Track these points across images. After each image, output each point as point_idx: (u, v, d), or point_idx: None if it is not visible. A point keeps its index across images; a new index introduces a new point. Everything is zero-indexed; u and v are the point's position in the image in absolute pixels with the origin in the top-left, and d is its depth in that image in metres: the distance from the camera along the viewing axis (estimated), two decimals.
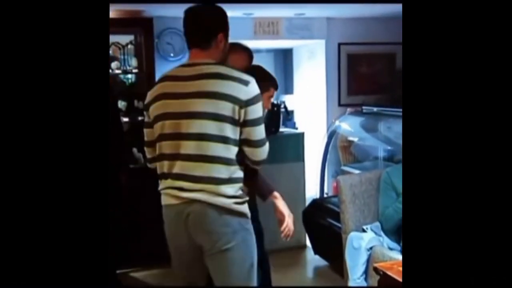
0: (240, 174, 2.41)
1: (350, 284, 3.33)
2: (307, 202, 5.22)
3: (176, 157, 2.40)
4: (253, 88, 2.36)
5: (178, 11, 5.01)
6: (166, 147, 2.43)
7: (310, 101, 6.37)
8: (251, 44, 6.28)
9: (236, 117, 2.32)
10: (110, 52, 5.45)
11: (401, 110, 4.93)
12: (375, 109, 5.41)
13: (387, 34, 5.98)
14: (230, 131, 2.33)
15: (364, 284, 3.28)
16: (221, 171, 2.35)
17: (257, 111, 2.36)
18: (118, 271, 4.74)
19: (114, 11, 5.02)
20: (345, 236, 3.47)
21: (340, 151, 5.80)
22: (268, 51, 7.03)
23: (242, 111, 2.32)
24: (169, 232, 2.51)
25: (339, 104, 6.09)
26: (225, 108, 2.31)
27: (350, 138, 5.63)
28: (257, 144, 2.39)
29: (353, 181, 3.54)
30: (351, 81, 6.13)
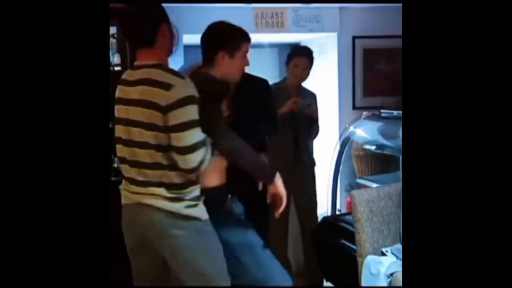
0: (187, 178, 2.65)
1: None
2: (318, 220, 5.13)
3: (127, 161, 2.72)
4: (176, 92, 2.52)
5: (176, 4, 5.03)
6: (120, 150, 2.76)
7: (321, 104, 6.19)
8: (252, 38, 6.28)
9: (161, 123, 2.56)
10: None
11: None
12: (395, 112, 5.30)
13: None
14: (162, 138, 2.58)
15: None
16: (167, 177, 2.64)
17: (181, 116, 2.53)
18: None
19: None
20: (361, 260, 3.39)
21: (355, 161, 5.70)
22: (272, 46, 6.93)
23: (165, 117, 2.54)
24: (124, 231, 2.83)
25: (354, 107, 6.00)
26: (152, 117, 2.56)
27: (367, 147, 5.53)
28: (184, 151, 2.55)
29: (370, 196, 3.46)
30: (367, 81, 6.02)
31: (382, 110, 5.43)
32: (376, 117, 5.47)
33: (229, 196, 2.97)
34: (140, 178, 2.69)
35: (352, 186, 5.57)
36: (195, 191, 2.72)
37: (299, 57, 4.76)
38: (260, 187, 3.01)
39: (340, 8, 5.80)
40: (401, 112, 5.18)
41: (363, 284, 3.31)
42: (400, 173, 5.15)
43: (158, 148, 2.60)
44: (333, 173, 5.41)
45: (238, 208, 3.04)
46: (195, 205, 2.70)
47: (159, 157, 2.62)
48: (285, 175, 4.36)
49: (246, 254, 2.86)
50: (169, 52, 2.77)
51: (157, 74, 2.59)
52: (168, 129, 2.55)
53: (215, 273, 2.79)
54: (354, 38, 5.95)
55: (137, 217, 2.73)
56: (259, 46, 6.75)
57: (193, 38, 5.58)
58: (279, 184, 2.74)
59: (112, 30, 5.29)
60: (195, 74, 2.87)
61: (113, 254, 2.84)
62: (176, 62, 3.94)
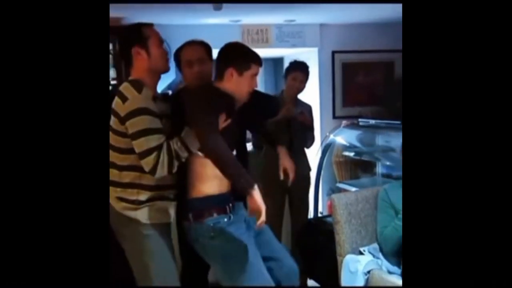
0: (137, 180, 2.79)
1: None
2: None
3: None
4: (132, 104, 2.68)
5: (159, 18, 5.04)
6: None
7: None
8: None
9: (120, 129, 2.73)
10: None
11: (400, 122, 4.91)
12: (372, 121, 5.33)
13: (385, 41, 5.95)
14: (121, 142, 2.75)
15: None
16: (115, 177, 2.80)
17: (135, 125, 2.66)
18: None
19: (115, 21, 4.99)
20: (340, 259, 3.41)
21: (335, 167, 5.70)
22: None
23: (124, 126, 2.70)
24: None
25: (334, 117, 6.03)
26: (114, 123, 2.74)
27: (346, 153, 5.56)
28: (139, 156, 2.69)
29: (348, 199, 3.49)
30: (346, 92, 6.07)
31: (360, 119, 5.46)
32: (355, 126, 5.50)
33: (230, 204, 2.94)
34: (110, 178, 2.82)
35: (333, 190, 5.55)
36: (142, 195, 2.81)
37: (296, 71, 4.77)
38: None
39: (321, 25, 5.83)
40: (378, 121, 5.21)
41: (342, 281, 3.33)
42: (377, 177, 5.19)
43: (117, 150, 2.78)
44: (315, 179, 5.42)
45: (240, 214, 3.01)
46: (135, 209, 2.80)
47: (117, 158, 2.79)
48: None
49: (239, 265, 2.79)
50: (154, 68, 2.86)
51: (125, 88, 2.76)
52: (129, 136, 2.70)
53: (151, 275, 2.86)
54: (333, 52, 6.00)
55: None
56: None
57: None
58: (257, 197, 2.67)
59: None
60: (205, 86, 2.95)
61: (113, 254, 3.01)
62: (168, 76, 3.98)
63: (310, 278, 5.00)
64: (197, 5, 4.45)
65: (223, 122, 2.81)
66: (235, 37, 5.60)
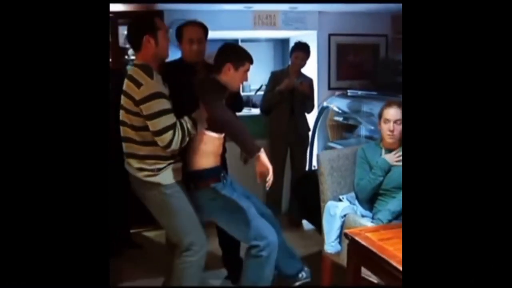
0: (153, 152, 2.69)
1: (326, 247, 3.21)
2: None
3: (121, 137, 2.77)
4: (146, 89, 2.55)
5: (184, 5, 4.94)
6: (121, 130, 2.78)
7: None
8: (251, 34, 6.19)
9: (134, 110, 2.60)
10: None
11: (381, 94, 4.81)
12: (359, 92, 5.27)
13: (372, 27, 5.88)
14: (135, 120, 2.63)
15: (339, 247, 3.15)
16: (133, 150, 2.71)
17: (150, 108, 2.55)
18: (131, 231, 4.71)
19: (131, 5, 4.89)
20: (323, 204, 3.34)
21: (329, 129, 5.65)
22: (268, 40, 6.86)
23: (139, 107, 2.57)
24: None
25: (329, 88, 5.92)
26: (128, 104, 2.61)
27: (336, 118, 5.47)
28: (156, 134, 2.59)
29: (331, 155, 3.39)
30: (339, 68, 5.95)
31: (349, 90, 5.40)
32: (345, 96, 5.43)
33: (222, 174, 2.96)
34: (124, 150, 2.77)
35: (326, 147, 5.50)
36: (159, 164, 2.73)
37: (298, 51, 4.79)
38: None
39: (319, 12, 5.70)
40: (364, 91, 5.12)
41: (324, 222, 3.26)
42: (361, 138, 5.09)
43: (132, 127, 2.67)
44: (311, 137, 5.35)
45: (228, 181, 3.03)
46: (154, 175, 2.73)
47: (133, 134, 2.68)
48: (283, 137, 4.86)
49: (241, 214, 2.83)
50: (159, 55, 2.74)
51: (136, 73, 2.61)
52: (144, 117, 2.59)
53: (177, 227, 2.85)
54: (330, 35, 5.87)
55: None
56: (257, 40, 6.67)
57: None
58: (264, 159, 2.62)
59: None
60: (206, 78, 2.92)
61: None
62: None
63: (304, 219, 5.00)
64: None
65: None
66: (248, 21, 5.53)
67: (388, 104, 3.21)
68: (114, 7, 4.75)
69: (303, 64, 4.85)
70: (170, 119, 2.61)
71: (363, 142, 4.93)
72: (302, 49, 4.80)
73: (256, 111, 5.73)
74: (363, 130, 5.07)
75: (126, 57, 5.16)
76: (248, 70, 2.94)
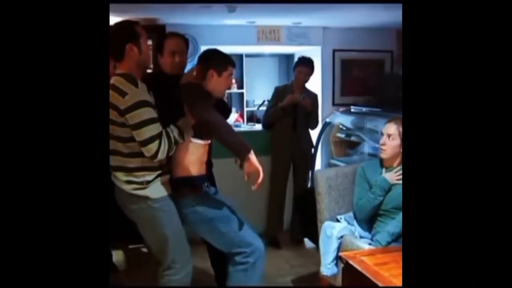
0: (141, 164, 2.57)
1: (322, 269, 3.07)
2: None
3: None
4: (132, 98, 2.43)
5: (187, 19, 4.87)
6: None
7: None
8: (255, 49, 6.10)
9: (119, 120, 2.47)
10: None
11: (385, 110, 4.68)
12: (363, 109, 5.13)
13: (377, 43, 5.78)
14: (121, 131, 2.51)
15: (335, 269, 3.01)
16: (121, 162, 2.59)
17: (135, 117, 2.44)
18: (130, 246, 4.59)
19: (133, 19, 4.82)
20: (320, 224, 3.20)
21: (332, 145, 5.52)
22: (272, 55, 6.76)
23: (124, 117, 2.45)
24: None
25: (333, 104, 5.83)
26: (113, 115, 2.47)
27: (339, 135, 5.35)
28: (142, 144, 2.47)
29: (329, 174, 3.26)
30: (343, 84, 5.87)
31: (352, 107, 5.27)
32: (349, 112, 5.29)
33: (206, 183, 2.83)
34: (111, 163, 2.63)
35: (330, 164, 5.36)
36: (148, 176, 2.61)
37: (302, 66, 4.67)
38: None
39: (324, 27, 5.63)
40: (368, 108, 5.00)
41: (320, 243, 3.12)
42: (364, 156, 4.95)
43: (118, 139, 2.55)
44: (312, 154, 5.22)
45: (212, 191, 2.91)
46: (143, 188, 2.61)
47: (120, 146, 2.57)
48: (286, 153, 4.73)
49: (222, 223, 2.72)
50: (142, 63, 2.62)
51: (120, 82, 2.48)
52: (129, 126, 2.47)
53: (163, 243, 2.70)
54: (334, 51, 5.80)
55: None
56: (261, 55, 6.60)
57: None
58: (254, 160, 2.51)
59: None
60: (191, 84, 2.79)
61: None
62: None
63: (305, 237, 4.85)
64: (214, 8, 4.23)
65: None
66: (252, 36, 5.47)
67: (390, 120, 3.08)
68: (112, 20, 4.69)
69: (306, 79, 4.72)
70: (156, 128, 2.49)
71: (366, 159, 4.78)
72: (306, 64, 4.68)
73: (259, 126, 5.62)
74: (366, 147, 4.92)
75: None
76: (231, 74, 2.83)
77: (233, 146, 2.56)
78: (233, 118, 6.40)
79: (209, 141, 2.82)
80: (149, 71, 4.83)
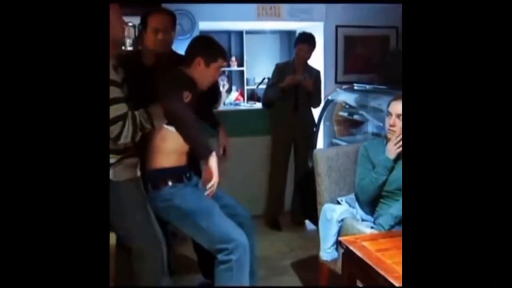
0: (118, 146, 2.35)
1: (321, 253, 2.89)
2: None
3: None
4: None
5: None
6: None
7: None
8: (255, 25, 5.89)
9: None
10: (125, 32, 5.06)
11: (390, 88, 4.48)
12: (367, 86, 4.92)
13: (382, 19, 5.51)
14: None
15: (335, 254, 2.83)
16: None
17: None
18: None
19: None
20: (319, 207, 3.01)
21: (335, 124, 5.33)
22: (273, 32, 6.53)
23: None
24: None
25: (336, 82, 5.61)
26: None
27: (342, 113, 5.15)
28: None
29: (329, 154, 3.07)
30: (347, 61, 5.64)
31: (355, 85, 5.07)
32: (352, 89, 5.09)
33: (187, 174, 2.63)
34: None
35: (332, 144, 5.18)
36: (111, 158, 2.36)
37: (302, 43, 4.45)
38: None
39: (326, 3, 5.40)
40: (372, 85, 4.81)
41: (320, 227, 2.94)
42: (368, 135, 4.76)
43: None
44: (314, 133, 5.04)
45: (194, 181, 2.69)
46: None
47: None
48: (287, 133, 4.56)
49: (202, 217, 2.51)
50: (111, 39, 2.28)
51: None
52: None
53: (129, 229, 2.48)
54: (337, 27, 5.57)
55: None
56: (262, 32, 6.38)
57: (208, 25, 5.29)
58: (212, 165, 2.36)
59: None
60: (173, 69, 2.59)
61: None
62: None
63: (306, 219, 4.71)
64: None
65: (185, 98, 2.48)
66: (251, 12, 5.24)
67: (396, 98, 2.86)
68: None
69: (308, 56, 4.51)
70: (119, 109, 2.28)
71: (370, 139, 4.59)
72: (307, 40, 4.45)
73: (259, 105, 5.43)
74: (370, 127, 4.73)
75: (123, 47, 4.89)
76: (221, 67, 2.63)
77: (194, 144, 2.42)
78: (233, 96, 6.21)
79: None
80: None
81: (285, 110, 4.52)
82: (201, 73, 2.57)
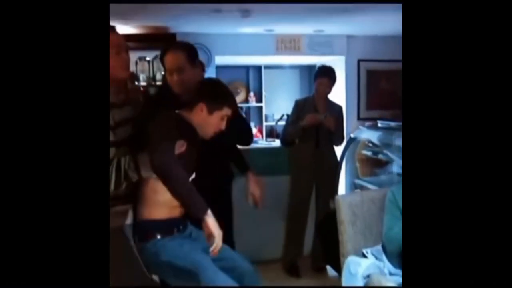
0: None
1: None
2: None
3: None
4: None
5: (199, 27, 4.48)
6: None
7: None
8: (274, 60, 5.69)
9: None
10: (140, 66, 4.90)
11: None
12: (391, 123, 4.63)
13: None
14: None
15: None
16: None
17: None
18: None
19: (141, 27, 4.46)
20: (343, 259, 2.71)
21: (358, 163, 5.03)
22: (292, 67, 6.31)
23: None
24: None
25: (358, 118, 5.38)
26: None
27: (365, 152, 4.87)
28: None
29: (353, 200, 2.78)
30: (369, 96, 5.41)
31: (379, 121, 4.79)
32: (375, 127, 4.81)
33: (180, 226, 2.32)
34: None
35: (356, 184, 4.89)
36: None
37: (322, 77, 4.20)
38: None
39: (347, 36, 5.21)
40: (396, 123, 4.53)
41: (343, 281, 2.64)
42: (393, 176, 4.46)
43: None
44: (335, 173, 4.73)
45: (188, 231, 2.38)
46: None
47: None
48: (308, 173, 4.28)
49: (192, 274, 2.17)
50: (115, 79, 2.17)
51: None
52: None
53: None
54: (359, 61, 5.39)
55: None
56: (281, 67, 6.18)
57: (225, 59, 5.12)
58: (210, 222, 2.08)
59: (156, 52, 4.81)
60: (167, 113, 2.29)
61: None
62: None
63: (328, 264, 4.40)
64: (225, 11, 3.82)
65: (180, 147, 2.18)
66: (270, 46, 5.08)
67: None
68: (120, 30, 4.33)
69: (328, 91, 4.26)
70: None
71: (395, 180, 4.28)
72: (327, 74, 4.21)
73: (279, 142, 5.18)
74: (395, 167, 4.42)
75: (136, 82, 4.72)
76: (226, 116, 2.33)
77: (184, 204, 2.14)
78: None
79: None
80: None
81: (306, 148, 4.25)
82: (203, 120, 2.29)
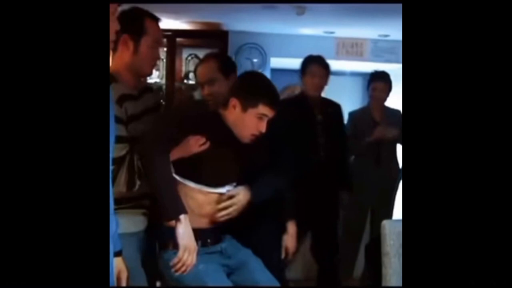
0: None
1: None
2: None
3: None
4: None
5: (253, 25, 4.24)
6: None
7: None
8: (333, 65, 5.29)
9: None
10: (190, 65, 4.71)
11: None
12: None
13: None
14: None
15: None
16: None
17: None
18: None
19: (192, 23, 4.27)
20: None
21: None
22: (354, 74, 5.95)
23: None
24: None
25: None
26: None
27: None
28: None
29: (401, 228, 2.39)
30: None
31: None
32: None
33: (207, 240, 2.05)
34: None
35: None
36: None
37: (376, 81, 3.94)
38: None
39: None
40: None
41: None
42: None
43: None
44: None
45: (215, 247, 2.10)
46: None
47: None
48: (365, 191, 3.89)
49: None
50: (135, 67, 2.01)
51: None
52: None
53: None
54: None
55: None
56: (341, 74, 5.81)
57: (281, 62, 4.83)
58: (178, 229, 1.87)
59: (207, 51, 4.64)
60: (192, 103, 2.20)
61: None
62: None
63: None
64: (280, 9, 3.58)
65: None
66: (330, 49, 4.76)
67: None
68: (173, 25, 4.15)
69: (384, 97, 3.94)
70: (118, 150, 1.84)
71: None
72: (381, 78, 3.94)
73: None
74: None
75: (185, 80, 4.52)
76: (264, 115, 1.98)
77: (160, 201, 1.92)
78: None
79: (218, 190, 2.04)
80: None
81: (365, 163, 3.92)
82: (236, 119, 1.99)
